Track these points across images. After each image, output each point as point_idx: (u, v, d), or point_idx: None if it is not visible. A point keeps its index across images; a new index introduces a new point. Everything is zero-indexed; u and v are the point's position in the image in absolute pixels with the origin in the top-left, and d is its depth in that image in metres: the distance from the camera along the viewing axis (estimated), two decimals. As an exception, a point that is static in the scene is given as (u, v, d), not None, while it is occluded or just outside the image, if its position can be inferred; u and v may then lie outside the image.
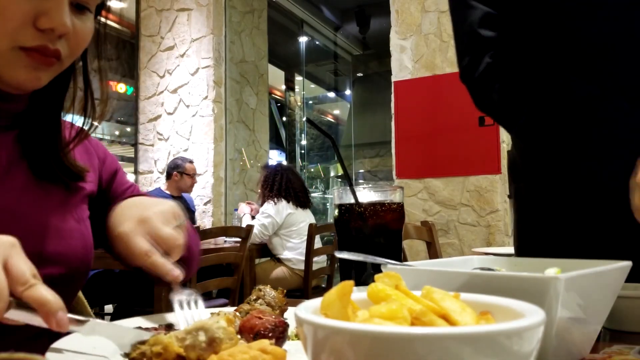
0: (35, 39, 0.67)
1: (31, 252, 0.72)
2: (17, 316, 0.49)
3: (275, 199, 3.77)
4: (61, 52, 0.70)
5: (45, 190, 0.79)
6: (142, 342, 0.52)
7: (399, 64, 4.34)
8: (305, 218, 3.87)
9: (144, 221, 0.73)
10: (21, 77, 0.69)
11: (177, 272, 0.69)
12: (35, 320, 0.50)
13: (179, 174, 4.42)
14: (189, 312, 0.68)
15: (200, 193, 5.21)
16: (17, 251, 0.52)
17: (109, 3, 0.79)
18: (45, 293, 0.49)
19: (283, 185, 3.80)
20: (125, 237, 0.72)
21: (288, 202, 3.79)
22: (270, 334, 0.60)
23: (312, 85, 9.62)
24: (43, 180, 0.79)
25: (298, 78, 8.97)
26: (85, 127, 0.82)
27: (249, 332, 0.60)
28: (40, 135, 0.78)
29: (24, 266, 0.50)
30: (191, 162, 4.60)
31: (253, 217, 3.94)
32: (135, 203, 0.81)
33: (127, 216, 0.75)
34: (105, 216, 0.91)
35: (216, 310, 0.72)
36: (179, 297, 0.69)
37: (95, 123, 0.82)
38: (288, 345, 0.63)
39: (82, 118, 0.81)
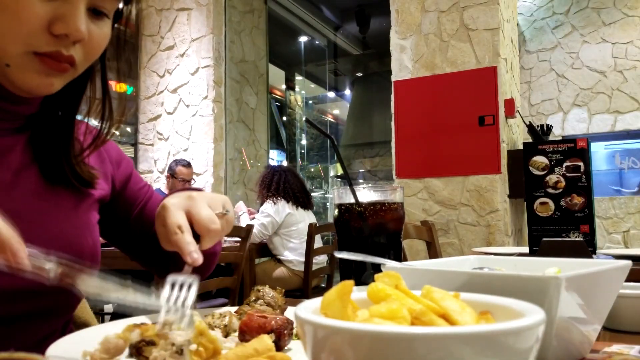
0: (50, 44, 0.65)
1: None
2: None
3: (275, 198, 3.76)
4: (75, 58, 0.68)
5: (55, 194, 0.77)
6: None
7: (398, 63, 4.34)
8: (306, 218, 3.86)
9: (191, 198, 0.71)
10: (34, 82, 0.67)
11: (196, 256, 0.65)
12: None
13: (170, 176, 4.37)
14: (178, 294, 0.59)
15: (200, 193, 5.21)
16: None
17: (127, 10, 0.77)
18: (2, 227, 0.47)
19: (281, 185, 3.80)
20: (167, 209, 0.69)
21: (287, 202, 3.79)
22: (285, 331, 0.61)
23: (312, 85, 9.62)
24: (54, 185, 0.77)
25: (298, 78, 8.97)
26: (103, 133, 0.80)
27: (256, 331, 0.60)
28: (53, 139, 0.77)
29: None
30: (185, 165, 4.43)
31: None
32: (191, 192, 0.77)
33: (178, 195, 0.73)
34: (121, 217, 0.91)
35: (219, 310, 0.72)
36: (176, 277, 0.62)
37: (113, 129, 0.80)
38: (290, 344, 0.63)
39: (99, 123, 0.80)
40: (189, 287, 0.60)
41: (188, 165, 4.46)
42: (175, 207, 0.69)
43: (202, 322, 0.48)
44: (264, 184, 3.84)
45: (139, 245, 0.95)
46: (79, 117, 0.80)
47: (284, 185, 3.81)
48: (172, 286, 0.60)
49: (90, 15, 0.69)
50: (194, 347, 0.47)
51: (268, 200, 3.77)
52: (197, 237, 0.70)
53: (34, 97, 0.74)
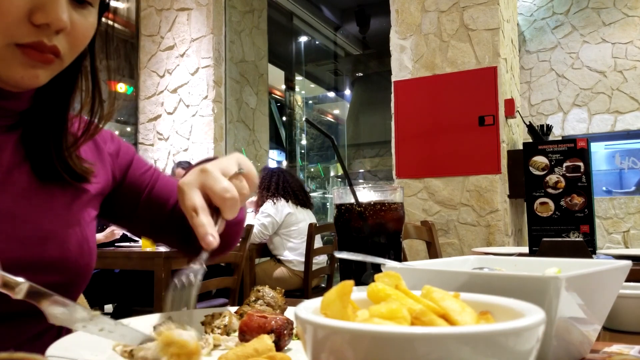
0: (31, 34, 0.64)
1: (32, 258, 0.71)
2: None
3: (275, 198, 3.77)
4: (59, 48, 0.67)
5: (49, 193, 0.76)
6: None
7: (398, 63, 4.34)
8: (306, 218, 3.87)
9: (204, 171, 0.68)
10: (18, 74, 0.66)
11: (210, 239, 0.64)
12: None
13: (171, 177, 4.33)
14: (180, 295, 0.62)
15: (200, 193, 5.21)
16: None
17: (113, 4, 0.76)
18: None
19: (280, 184, 3.81)
20: (182, 191, 0.68)
21: (287, 201, 3.79)
22: (285, 331, 0.61)
23: (312, 85, 9.62)
24: (47, 183, 0.76)
25: (298, 78, 8.97)
26: (92, 126, 0.79)
27: (256, 331, 0.60)
28: (44, 135, 0.76)
29: None
30: (185, 167, 4.25)
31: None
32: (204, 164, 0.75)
33: (192, 172, 0.71)
34: (130, 204, 0.91)
35: (218, 310, 0.72)
36: (182, 277, 0.63)
37: (102, 124, 0.80)
38: (290, 344, 0.63)
39: (88, 117, 0.79)
40: (191, 283, 0.62)
41: (185, 166, 4.43)
42: (189, 187, 0.68)
43: (166, 332, 0.47)
44: (263, 185, 3.85)
45: (157, 227, 0.95)
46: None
47: (283, 185, 3.82)
48: (175, 287, 0.62)
49: (73, 4, 0.67)
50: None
51: (268, 200, 3.78)
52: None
53: (21, 91, 0.72)
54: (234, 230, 0.87)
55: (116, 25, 0.78)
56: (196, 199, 0.66)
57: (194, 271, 0.63)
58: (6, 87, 0.70)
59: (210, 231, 0.64)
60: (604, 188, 6.19)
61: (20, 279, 0.51)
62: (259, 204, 3.88)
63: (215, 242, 0.64)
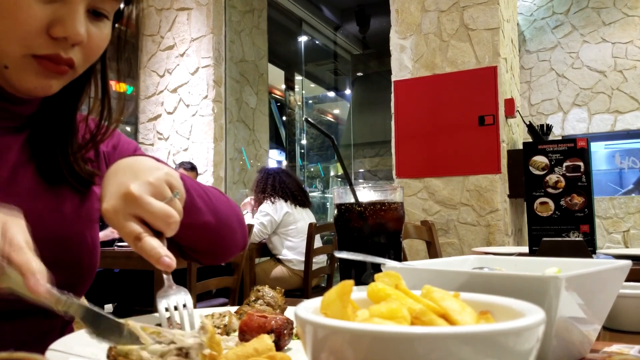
0: (48, 47, 0.65)
1: (41, 259, 0.71)
2: (3, 282, 0.49)
3: (272, 198, 3.78)
4: (74, 60, 0.68)
5: (55, 194, 0.77)
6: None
7: (398, 63, 4.34)
8: (305, 217, 3.87)
9: (131, 197, 0.62)
10: (32, 84, 0.67)
11: (167, 261, 0.60)
12: (19, 285, 0.49)
13: None
14: (177, 314, 0.61)
15: (200, 193, 5.20)
16: (18, 222, 0.52)
17: (127, 11, 0.76)
18: (30, 257, 0.49)
19: (277, 186, 3.82)
20: (110, 215, 0.63)
21: (286, 201, 3.80)
22: (285, 331, 0.61)
23: (312, 85, 9.62)
24: (53, 184, 0.77)
25: (298, 77, 8.96)
26: (100, 132, 0.79)
27: (256, 331, 0.60)
28: (51, 138, 0.76)
29: (19, 235, 0.50)
30: (188, 168, 4.32)
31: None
32: (125, 168, 0.68)
33: (113, 186, 0.65)
34: None
35: (218, 310, 0.72)
36: (165, 299, 0.61)
37: (111, 128, 0.80)
38: (290, 344, 0.63)
39: (97, 122, 0.79)
40: (184, 306, 0.62)
41: (191, 169, 4.39)
42: (118, 215, 0.62)
43: (211, 327, 0.47)
44: (259, 187, 3.86)
45: None
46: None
47: (280, 186, 3.83)
48: (167, 309, 0.61)
49: (90, 16, 0.68)
50: (207, 351, 0.46)
51: (266, 200, 3.79)
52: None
53: (33, 98, 0.73)
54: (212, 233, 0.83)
55: (120, 27, 0.78)
56: (134, 226, 0.62)
57: (180, 293, 0.62)
58: (19, 94, 0.71)
59: (163, 252, 0.61)
60: (611, 185, 6.18)
61: (64, 295, 0.51)
62: (256, 205, 3.89)
63: (173, 262, 0.61)
